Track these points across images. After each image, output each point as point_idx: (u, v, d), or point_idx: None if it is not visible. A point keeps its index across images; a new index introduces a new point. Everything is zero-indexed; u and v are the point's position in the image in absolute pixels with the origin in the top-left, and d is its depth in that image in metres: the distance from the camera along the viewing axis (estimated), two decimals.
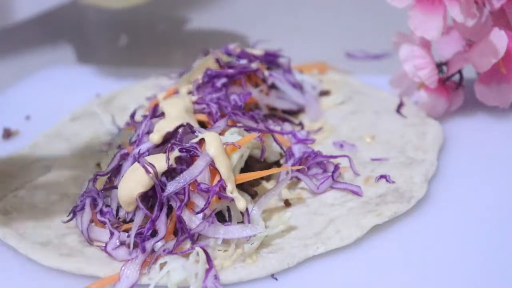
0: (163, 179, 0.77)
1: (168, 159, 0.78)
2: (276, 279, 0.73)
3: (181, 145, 0.80)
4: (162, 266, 0.74)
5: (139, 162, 0.77)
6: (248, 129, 0.88)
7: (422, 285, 0.71)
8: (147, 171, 0.76)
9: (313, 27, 1.57)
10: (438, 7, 0.92)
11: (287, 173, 0.83)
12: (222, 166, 0.78)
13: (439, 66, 1.00)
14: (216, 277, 0.72)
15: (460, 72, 1.02)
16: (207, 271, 0.72)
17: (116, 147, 0.94)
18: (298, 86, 1.05)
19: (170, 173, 0.78)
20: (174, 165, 0.78)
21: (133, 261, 0.74)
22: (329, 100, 1.07)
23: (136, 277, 0.73)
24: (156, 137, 0.84)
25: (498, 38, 0.92)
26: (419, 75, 0.96)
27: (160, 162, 0.78)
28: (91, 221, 0.80)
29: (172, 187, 0.76)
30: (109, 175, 0.84)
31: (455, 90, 1.01)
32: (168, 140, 0.84)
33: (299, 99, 1.04)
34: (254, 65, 1.02)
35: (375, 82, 1.11)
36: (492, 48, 0.93)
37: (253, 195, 0.84)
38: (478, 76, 1.00)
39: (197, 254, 0.73)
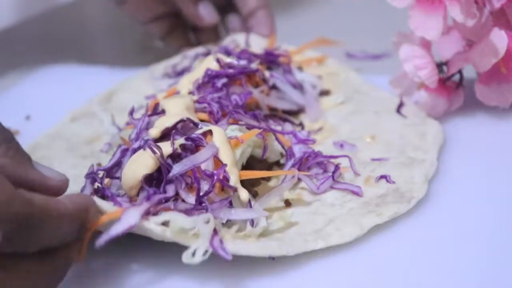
0: (169, 161, 0.77)
1: (173, 143, 0.78)
2: (273, 258, 0.73)
3: (184, 134, 0.80)
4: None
5: (144, 147, 0.77)
6: (250, 128, 0.88)
7: (422, 285, 0.71)
8: (153, 152, 0.76)
9: (313, 27, 1.57)
10: (438, 7, 0.93)
11: (292, 176, 0.83)
12: (227, 158, 0.78)
13: (439, 66, 1.00)
14: (221, 241, 0.70)
15: (460, 72, 1.02)
16: (213, 236, 0.70)
17: (116, 147, 0.94)
18: (298, 86, 1.05)
19: (175, 158, 0.78)
20: (179, 150, 0.78)
21: (137, 206, 0.71)
22: (329, 100, 1.07)
23: (137, 220, 0.69)
24: (154, 132, 0.83)
25: (498, 38, 0.92)
26: (419, 75, 0.96)
27: (165, 147, 0.78)
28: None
29: (178, 167, 0.76)
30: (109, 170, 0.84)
31: (455, 90, 1.01)
32: (166, 135, 0.84)
33: (300, 99, 1.04)
34: (254, 65, 1.02)
35: (375, 82, 1.11)
36: (492, 48, 0.93)
37: (254, 195, 0.83)
38: (478, 76, 1.00)
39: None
